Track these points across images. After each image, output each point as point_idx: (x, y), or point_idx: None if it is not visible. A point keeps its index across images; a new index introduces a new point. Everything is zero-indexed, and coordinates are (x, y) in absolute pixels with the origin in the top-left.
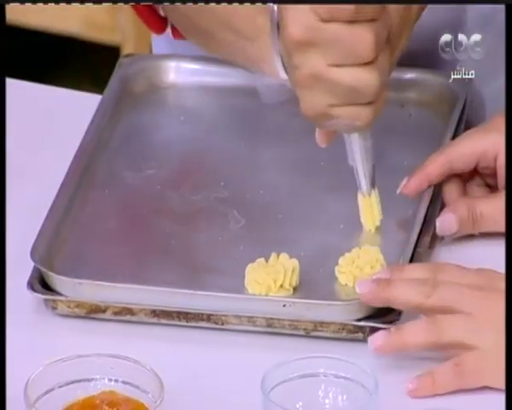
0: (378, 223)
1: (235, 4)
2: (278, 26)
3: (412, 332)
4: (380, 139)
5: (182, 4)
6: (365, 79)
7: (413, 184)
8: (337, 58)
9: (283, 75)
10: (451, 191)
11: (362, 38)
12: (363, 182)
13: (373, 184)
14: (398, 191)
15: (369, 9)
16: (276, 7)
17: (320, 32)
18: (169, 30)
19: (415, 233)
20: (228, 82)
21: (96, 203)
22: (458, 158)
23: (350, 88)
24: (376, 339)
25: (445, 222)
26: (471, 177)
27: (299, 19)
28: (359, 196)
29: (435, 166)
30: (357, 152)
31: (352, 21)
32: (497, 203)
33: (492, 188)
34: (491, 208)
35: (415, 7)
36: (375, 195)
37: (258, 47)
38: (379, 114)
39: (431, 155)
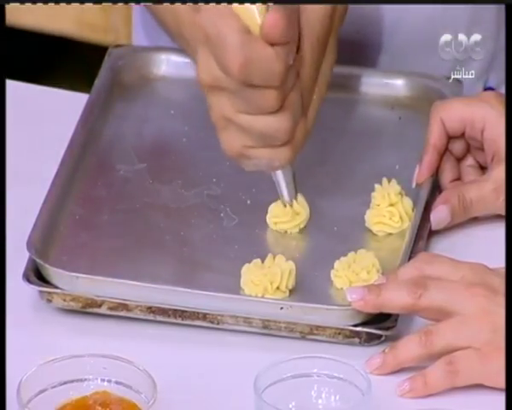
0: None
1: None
2: None
3: (406, 349)
4: (369, 142)
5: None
6: (274, 125)
7: (425, 163)
8: (243, 107)
9: None
10: (446, 174)
11: (264, 94)
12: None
13: (295, 197)
14: (413, 185)
15: (258, 77)
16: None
17: (224, 82)
18: None
19: (410, 239)
20: None
21: (89, 196)
22: (448, 118)
23: (261, 134)
24: (373, 363)
25: (439, 214)
26: (464, 157)
27: (206, 65)
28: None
29: (434, 133)
30: (282, 185)
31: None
32: (485, 187)
33: (484, 168)
34: (480, 194)
35: (332, 37)
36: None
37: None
38: (300, 145)
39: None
